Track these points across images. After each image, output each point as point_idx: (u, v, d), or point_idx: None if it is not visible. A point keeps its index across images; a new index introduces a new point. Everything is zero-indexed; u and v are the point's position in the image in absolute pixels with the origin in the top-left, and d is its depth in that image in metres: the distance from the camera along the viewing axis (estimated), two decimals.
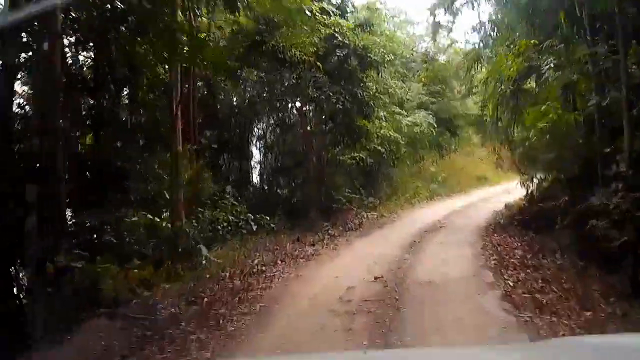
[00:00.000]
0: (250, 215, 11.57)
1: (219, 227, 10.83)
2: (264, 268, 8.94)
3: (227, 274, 8.58)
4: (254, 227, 11.49)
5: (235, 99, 16.47)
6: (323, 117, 15.67)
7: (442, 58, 25.22)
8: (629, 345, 2.04)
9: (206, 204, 11.65)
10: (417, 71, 23.03)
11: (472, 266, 8.24)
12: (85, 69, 10.95)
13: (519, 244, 9.98)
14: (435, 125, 19.39)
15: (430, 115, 19.72)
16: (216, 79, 15.10)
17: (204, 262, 8.83)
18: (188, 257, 8.59)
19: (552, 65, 8.61)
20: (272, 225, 12.12)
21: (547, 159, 9.17)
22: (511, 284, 6.89)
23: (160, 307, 6.59)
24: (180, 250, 8.46)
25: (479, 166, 24.80)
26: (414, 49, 22.91)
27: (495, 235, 11.11)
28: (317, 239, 11.74)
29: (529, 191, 12.42)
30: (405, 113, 18.80)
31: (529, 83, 11.59)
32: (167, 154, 9.34)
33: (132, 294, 6.56)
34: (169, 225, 8.75)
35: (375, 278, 7.56)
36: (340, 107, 14.21)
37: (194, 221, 10.76)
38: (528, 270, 7.77)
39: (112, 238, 7.08)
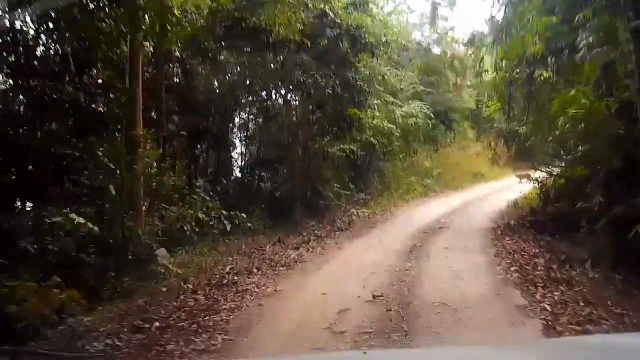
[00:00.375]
0: (223, 212, 9.93)
1: (185, 227, 9.19)
2: (235, 278, 7.35)
3: (190, 286, 6.99)
4: (228, 227, 9.87)
5: (215, 84, 14.80)
6: (310, 105, 14.08)
7: (436, 49, 24.10)
8: (629, 345, 2.00)
9: (174, 200, 10.04)
10: (412, 59, 21.69)
11: (491, 280, 6.71)
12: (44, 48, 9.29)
13: (537, 250, 8.52)
14: (432, 116, 17.94)
15: (426, 107, 18.31)
16: (193, 62, 13.58)
17: (162, 271, 7.22)
18: (141, 266, 6.97)
19: (590, 41, 7.08)
20: (249, 224, 10.49)
21: (582, 152, 7.66)
22: (548, 309, 5.37)
23: (92, 337, 4.97)
24: (130, 257, 6.82)
25: (475, 162, 23.42)
26: (408, 38, 21.69)
27: (507, 238, 9.62)
28: (301, 241, 10.18)
29: (543, 189, 10.96)
30: (400, 103, 17.34)
31: (544, 70, 10.05)
32: (121, 141, 7.67)
33: (52, 321, 4.91)
34: (122, 225, 7.08)
35: (374, 297, 5.98)
36: (330, 92, 12.66)
37: (157, 220, 9.21)
38: (561, 287, 6.29)
39: (29, 245, 5.40)
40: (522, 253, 8.33)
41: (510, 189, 17.91)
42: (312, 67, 12.47)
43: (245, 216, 10.63)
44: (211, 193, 10.28)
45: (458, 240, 9.65)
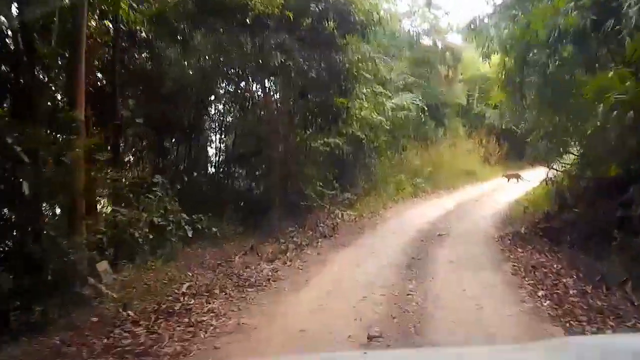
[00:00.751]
0: (184, 215, 8.30)
1: (137, 233, 7.56)
2: (191, 302, 5.79)
3: (131, 315, 5.40)
4: (190, 233, 8.25)
5: (186, 69, 13.14)
6: (292, 93, 12.54)
7: (428, 40, 22.76)
8: (629, 345, 1.94)
9: (129, 200, 8.41)
10: (401, 49, 20.37)
11: (518, 311, 5.24)
12: None
13: (559, 266, 7.08)
14: (425, 108, 16.54)
15: (418, 98, 16.92)
16: (160, 45, 11.96)
17: (94, 295, 5.61)
18: (65, 288, 5.35)
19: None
20: (215, 229, 8.88)
21: (630, 146, 6.24)
22: None
23: None
24: (50, 277, 5.20)
25: (466, 160, 22.13)
26: (398, 27, 20.33)
27: (519, 250, 8.20)
28: (278, 250, 8.64)
29: (558, 191, 9.56)
30: (389, 94, 15.89)
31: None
32: (47, 124, 6.02)
33: None
34: (38, 235, 5.44)
35: (370, 337, 4.45)
36: (314, 77, 11.13)
37: (103, 225, 7.59)
38: (609, 322, 4.87)
39: None
40: (544, 269, 6.89)
41: (505, 189, 16.72)
42: (293, 48, 10.93)
43: (213, 219, 9.04)
44: (169, 192, 8.60)
45: (463, 251, 8.20)
